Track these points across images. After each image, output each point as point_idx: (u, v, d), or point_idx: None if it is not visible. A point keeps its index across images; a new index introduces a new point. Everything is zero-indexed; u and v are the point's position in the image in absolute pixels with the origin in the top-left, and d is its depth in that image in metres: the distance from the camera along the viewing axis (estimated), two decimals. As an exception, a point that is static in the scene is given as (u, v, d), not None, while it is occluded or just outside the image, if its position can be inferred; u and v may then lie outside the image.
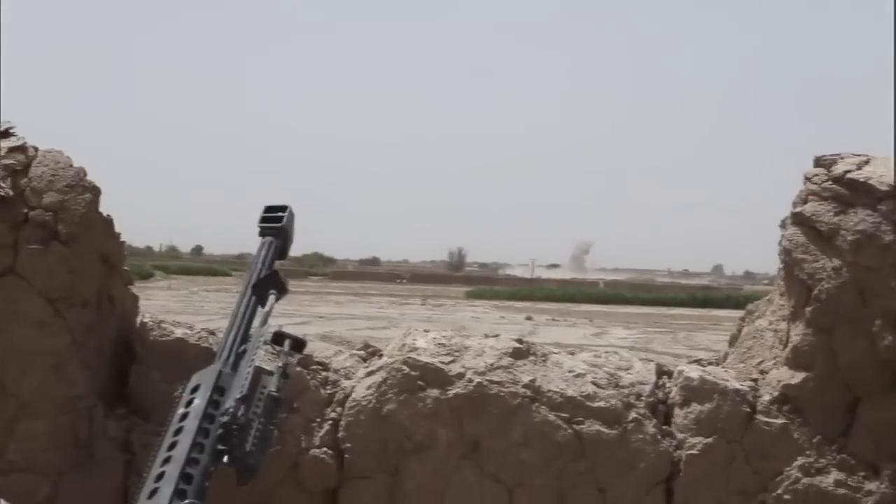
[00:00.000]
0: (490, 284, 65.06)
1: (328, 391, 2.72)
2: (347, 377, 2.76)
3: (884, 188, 2.54)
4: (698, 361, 2.88)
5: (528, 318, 33.38)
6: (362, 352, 2.87)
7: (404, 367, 2.66)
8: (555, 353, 2.79)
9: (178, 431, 2.15)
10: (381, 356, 2.80)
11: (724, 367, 2.81)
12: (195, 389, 2.29)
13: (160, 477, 2.05)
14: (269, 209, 2.72)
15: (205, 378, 2.32)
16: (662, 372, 2.75)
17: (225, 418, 2.21)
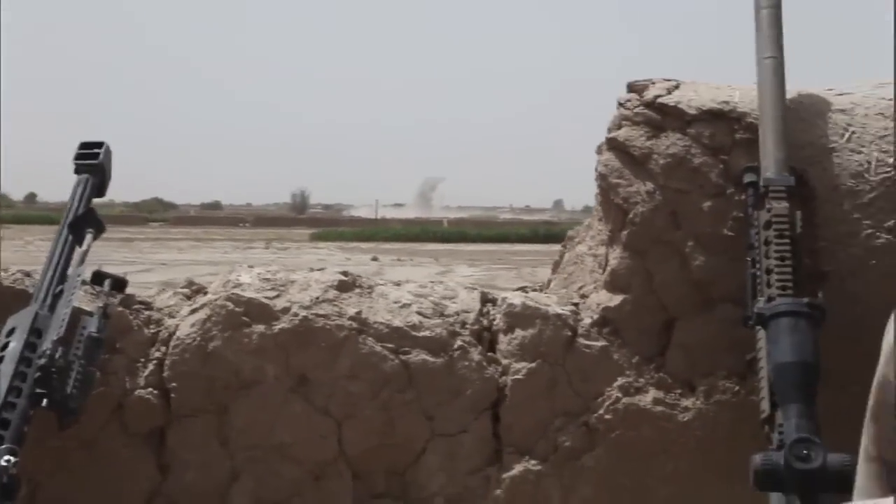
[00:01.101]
0: (335, 226, 64.90)
1: (152, 330, 2.67)
2: (171, 316, 2.71)
3: (693, 111, 2.60)
4: (522, 289, 2.93)
5: (374, 259, 33.50)
6: (186, 290, 2.83)
7: (228, 304, 2.62)
8: (381, 285, 2.79)
9: (-6, 376, 2.11)
10: (205, 293, 2.76)
11: (546, 293, 2.86)
12: (11, 332, 2.25)
13: (-25, 423, 2.01)
14: (84, 146, 2.67)
15: (20, 320, 2.28)
16: (487, 299, 2.78)
17: (42, 361, 2.18)
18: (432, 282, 2.91)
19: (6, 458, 1.98)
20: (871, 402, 1.88)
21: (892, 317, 1.86)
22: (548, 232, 52.62)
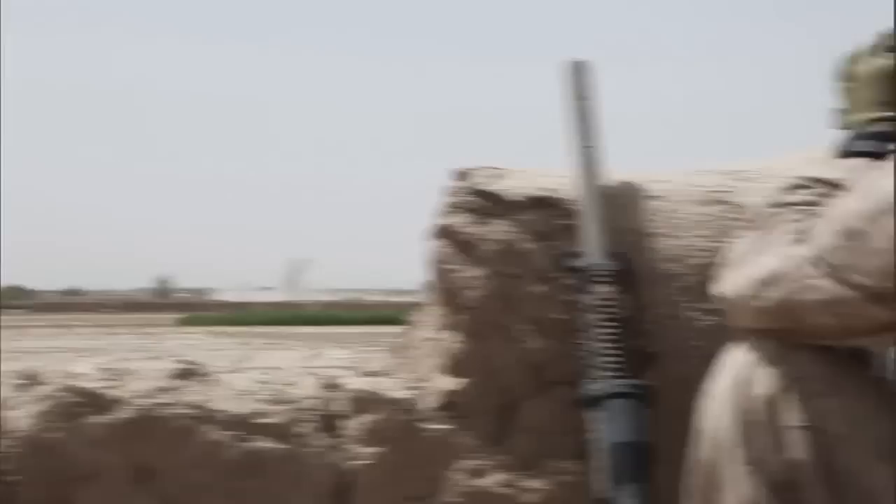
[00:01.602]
0: (201, 310, 63.92)
1: (-11, 424, 2.62)
2: (9, 407, 2.67)
3: (520, 199, 2.67)
4: (366, 373, 2.95)
5: (244, 344, 33.05)
6: (24, 381, 2.78)
7: (67, 394, 2.59)
8: (222, 373, 2.79)
9: None
10: (42, 384, 2.72)
11: (390, 378, 2.88)
12: None
13: None
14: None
15: None
16: (331, 385, 2.80)
17: None
18: (275, 368, 2.92)
19: None
20: (691, 482, 1.95)
21: (705, 399, 1.94)
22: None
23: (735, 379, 1.87)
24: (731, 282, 1.92)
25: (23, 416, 2.60)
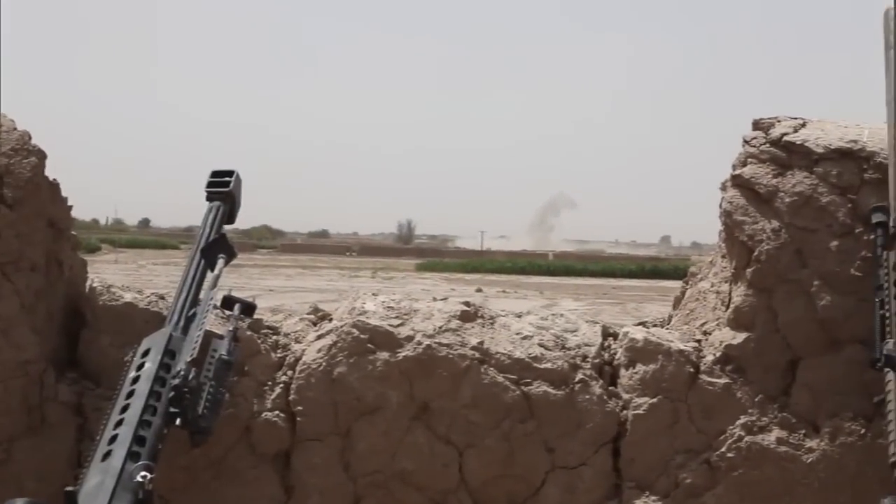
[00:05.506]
0: (440, 257, 64.97)
1: (279, 355, 2.74)
2: (298, 341, 2.77)
3: (820, 150, 2.59)
4: (643, 324, 2.93)
5: (479, 291, 33.53)
6: (312, 316, 2.89)
7: (354, 330, 2.68)
8: (502, 316, 2.82)
9: (131, 395, 2.18)
10: (330, 320, 2.81)
11: (668, 329, 2.85)
12: (146, 353, 2.31)
13: (113, 439, 2.08)
14: (215, 174, 2.74)
15: (155, 342, 2.34)
16: (608, 334, 2.80)
17: (176, 381, 2.23)
18: (553, 314, 2.92)
19: (142, 473, 2.02)
20: None
21: None
22: (654, 268, 52.12)
23: None
24: None
25: (311, 349, 2.70)
